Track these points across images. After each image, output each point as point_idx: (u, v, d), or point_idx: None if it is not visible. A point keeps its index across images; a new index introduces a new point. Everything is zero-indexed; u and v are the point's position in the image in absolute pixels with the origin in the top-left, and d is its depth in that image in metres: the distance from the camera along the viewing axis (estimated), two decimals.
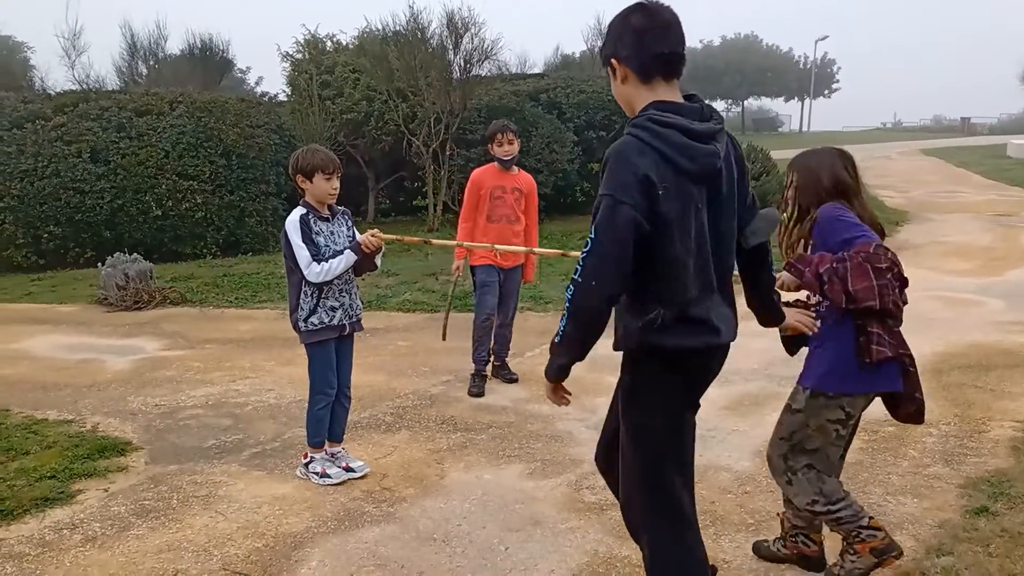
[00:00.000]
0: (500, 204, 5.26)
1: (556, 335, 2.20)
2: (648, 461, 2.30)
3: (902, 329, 2.80)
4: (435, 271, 9.62)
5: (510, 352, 5.64)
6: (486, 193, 5.26)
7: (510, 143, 5.24)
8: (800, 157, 2.99)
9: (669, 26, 2.14)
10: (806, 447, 2.84)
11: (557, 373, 2.28)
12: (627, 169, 2.05)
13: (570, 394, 2.38)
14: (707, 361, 2.31)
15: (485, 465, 4.14)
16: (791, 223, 2.94)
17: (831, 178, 2.85)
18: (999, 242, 10.76)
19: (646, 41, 2.13)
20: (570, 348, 2.20)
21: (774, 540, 3.15)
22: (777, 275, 2.76)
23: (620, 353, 2.33)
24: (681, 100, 2.18)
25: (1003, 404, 4.84)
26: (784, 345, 2.93)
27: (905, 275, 2.80)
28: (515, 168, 5.39)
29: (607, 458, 2.56)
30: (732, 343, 2.33)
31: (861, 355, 2.71)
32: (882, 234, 2.86)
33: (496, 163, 5.32)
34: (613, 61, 2.21)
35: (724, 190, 2.20)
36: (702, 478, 3.88)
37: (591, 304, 2.11)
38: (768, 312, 2.59)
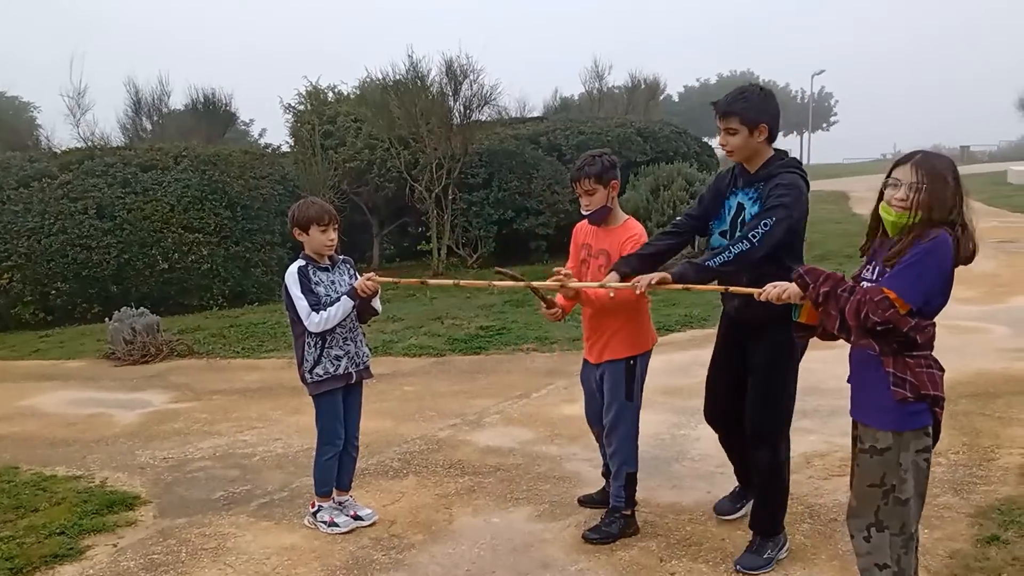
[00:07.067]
0: (587, 268, 3.88)
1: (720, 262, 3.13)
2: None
3: None
4: (440, 315, 9.65)
5: (518, 394, 5.49)
6: (577, 251, 3.98)
7: (588, 194, 3.72)
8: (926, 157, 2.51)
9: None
10: (901, 498, 2.51)
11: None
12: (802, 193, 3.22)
13: None
14: None
15: (493, 508, 4.13)
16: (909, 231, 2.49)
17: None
18: (1003, 269, 10.74)
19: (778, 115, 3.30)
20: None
21: None
22: (763, 289, 2.78)
23: None
24: None
25: (1011, 431, 4.82)
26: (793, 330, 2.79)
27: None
28: (618, 219, 3.80)
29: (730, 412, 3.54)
30: None
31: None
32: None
33: None
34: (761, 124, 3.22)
35: None
36: (713, 515, 3.87)
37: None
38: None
